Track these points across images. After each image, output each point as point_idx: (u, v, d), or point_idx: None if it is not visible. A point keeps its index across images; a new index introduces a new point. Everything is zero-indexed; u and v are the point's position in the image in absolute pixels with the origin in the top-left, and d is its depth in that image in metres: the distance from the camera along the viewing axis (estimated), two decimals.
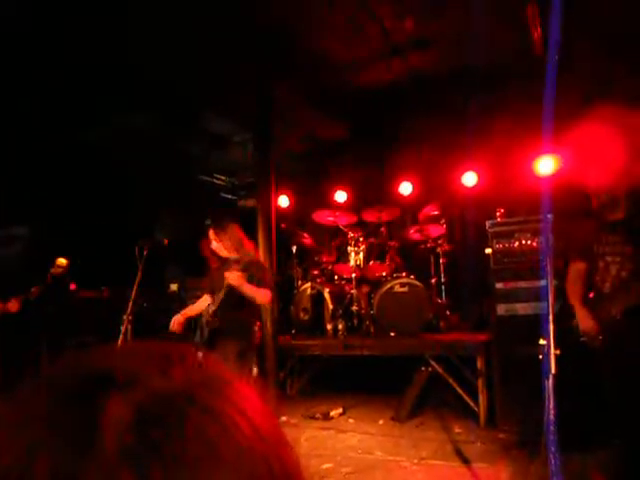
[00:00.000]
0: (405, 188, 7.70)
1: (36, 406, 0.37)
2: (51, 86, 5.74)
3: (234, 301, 3.88)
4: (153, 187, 7.19)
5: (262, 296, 3.94)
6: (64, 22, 4.77)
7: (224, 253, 4.06)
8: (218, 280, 4.00)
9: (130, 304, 3.59)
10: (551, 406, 2.25)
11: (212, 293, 4.05)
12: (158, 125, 7.10)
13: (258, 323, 4.52)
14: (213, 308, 3.85)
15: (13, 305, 4.81)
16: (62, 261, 5.68)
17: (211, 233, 4.08)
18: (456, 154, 7.15)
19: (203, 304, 4.06)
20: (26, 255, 5.32)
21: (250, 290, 3.83)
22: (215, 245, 4.05)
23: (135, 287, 3.68)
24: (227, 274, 3.74)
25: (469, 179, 7.29)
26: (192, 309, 4.08)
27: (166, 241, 4.48)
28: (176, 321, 3.85)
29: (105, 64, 5.52)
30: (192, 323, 4.05)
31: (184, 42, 5.22)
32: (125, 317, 3.54)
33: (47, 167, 6.80)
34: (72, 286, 5.11)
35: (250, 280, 3.83)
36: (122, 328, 3.51)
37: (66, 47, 5.15)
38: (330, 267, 7.20)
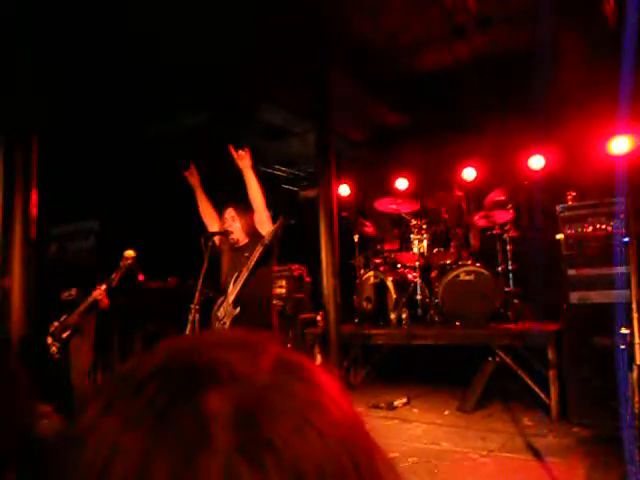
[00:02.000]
0: (468, 174, 7.52)
1: (139, 403, 0.38)
2: (115, 83, 5.90)
3: (252, 284, 3.82)
4: (215, 180, 7.32)
5: (259, 191, 3.95)
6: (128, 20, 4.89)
7: (238, 236, 3.99)
8: (232, 267, 3.97)
9: (197, 294, 3.65)
10: (636, 399, 2.12)
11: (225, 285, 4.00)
12: (218, 120, 7.19)
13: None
14: (232, 297, 3.82)
15: (102, 300, 4.93)
16: (130, 253, 5.84)
17: (231, 211, 4.04)
18: (522, 137, 6.89)
19: None
20: (97, 248, 5.53)
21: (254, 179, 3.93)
22: (230, 224, 3.99)
23: (201, 277, 3.73)
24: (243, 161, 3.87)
25: (536, 162, 7.03)
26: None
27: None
28: None
29: (165, 62, 5.62)
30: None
31: (240, 34, 5.24)
32: (192, 306, 3.60)
33: (115, 163, 7.03)
34: (140, 277, 5.25)
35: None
36: (190, 317, 3.58)
37: (132, 47, 5.28)
38: (393, 256, 7.12)
